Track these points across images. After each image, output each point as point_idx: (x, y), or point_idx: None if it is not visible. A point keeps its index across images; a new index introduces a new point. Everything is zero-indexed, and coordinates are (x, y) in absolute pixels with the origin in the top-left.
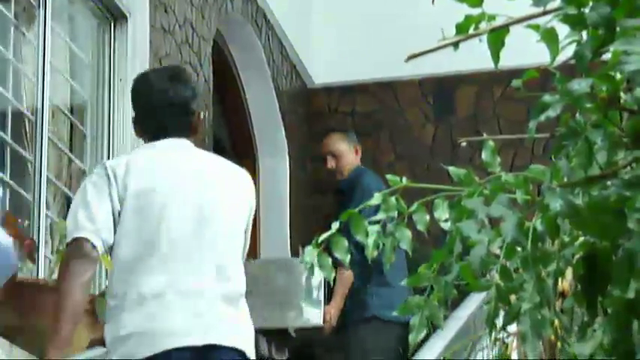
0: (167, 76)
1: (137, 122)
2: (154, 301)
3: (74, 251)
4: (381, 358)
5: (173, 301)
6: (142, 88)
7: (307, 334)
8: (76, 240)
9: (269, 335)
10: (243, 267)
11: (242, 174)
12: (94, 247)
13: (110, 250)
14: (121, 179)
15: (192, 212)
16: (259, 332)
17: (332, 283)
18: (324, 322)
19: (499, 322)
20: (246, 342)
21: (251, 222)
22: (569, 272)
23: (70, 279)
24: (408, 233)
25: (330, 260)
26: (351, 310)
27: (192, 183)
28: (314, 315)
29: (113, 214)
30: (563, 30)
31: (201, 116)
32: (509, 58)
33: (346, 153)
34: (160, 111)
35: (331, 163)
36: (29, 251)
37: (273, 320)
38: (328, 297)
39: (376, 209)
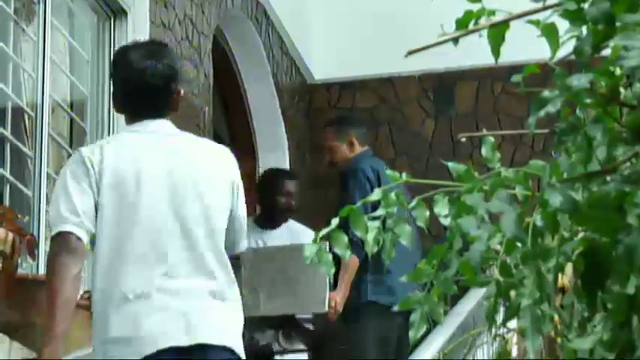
0: (146, 53)
1: (116, 99)
2: (138, 302)
3: (60, 246)
4: (381, 344)
5: (156, 300)
6: (120, 65)
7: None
8: (61, 234)
9: (276, 323)
10: (225, 255)
11: (222, 153)
12: (79, 239)
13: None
14: (97, 168)
15: (168, 204)
16: (265, 324)
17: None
18: (329, 308)
19: (499, 317)
20: (234, 338)
21: (240, 203)
22: (569, 268)
23: (58, 274)
24: (408, 229)
25: (330, 256)
26: (352, 295)
27: (168, 172)
28: (319, 302)
29: (95, 205)
30: (563, 25)
31: (182, 93)
32: (509, 54)
33: (338, 147)
34: (137, 90)
35: (328, 158)
36: (29, 247)
37: (278, 308)
38: (334, 283)
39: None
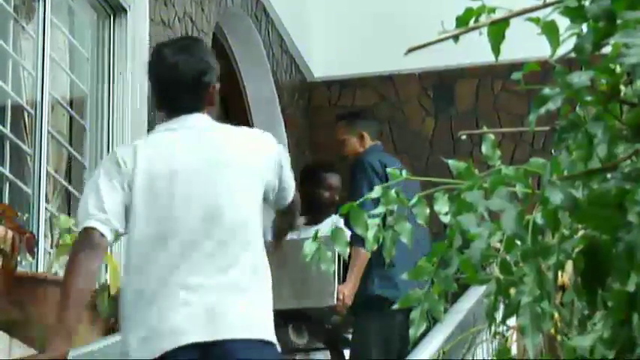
0: (178, 48)
1: (153, 96)
2: (162, 298)
3: (83, 241)
4: (383, 339)
5: (180, 296)
6: (154, 62)
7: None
8: (86, 229)
9: (288, 319)
10: (253, 249)
11: (258, 139)
12: (102, 235)
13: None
14: (131, 169)
15: (200, 203)
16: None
17: (341, 264)
18: (337, 300)
19: (499, 315)
20: (260, 328)
21: (286, 175)
22: (569, 265)
23: (76, 269)
24: (408, 226)
25: (329, 253)
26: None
27: (201, 169)
28: (327, 294)
29: (125, 204)
30: (563, 23)
31: (217, 87)
32: (509, 52)
33: (349, 140)
34: (171, 86)
35: (340, 151)
36: (29, 245)
37: (286, 302)
38: (343, 276)
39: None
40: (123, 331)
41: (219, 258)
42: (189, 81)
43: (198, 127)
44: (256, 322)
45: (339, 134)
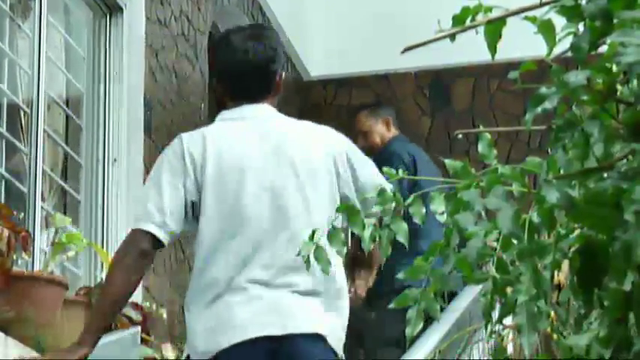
0: (247, 35)
1: (218, 83)
2: (233, 292)
3: (134, 245)
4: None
5: (251, 290)
6: (221, 48)
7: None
8: (140, 232)
9: None
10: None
11: (323, 134)
12: (158, 241)
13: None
14: (199, 163)
15: (269, 197)
16: None
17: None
18: (349, 293)
19: (495, 314)
20: (327, 328)
21: (362, 170)
22: (565, 265)
23: (119, 275)
24: (404, 226)
25: (327, 253)
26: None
27: (268, 163)
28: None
29: (186, 202)
30: (560, 22)
31: (283, 76)
32: (505, 51)
33: (373, 129)
34: (239, 73)
35: (361, 143)
36: (24, 244)
37: None
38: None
39: (414, 183)
40: (189, 322)
41: (289, 256)
42: (258, 68)
43: (262, 117)
44: (326, 322)
45: (362, 124)
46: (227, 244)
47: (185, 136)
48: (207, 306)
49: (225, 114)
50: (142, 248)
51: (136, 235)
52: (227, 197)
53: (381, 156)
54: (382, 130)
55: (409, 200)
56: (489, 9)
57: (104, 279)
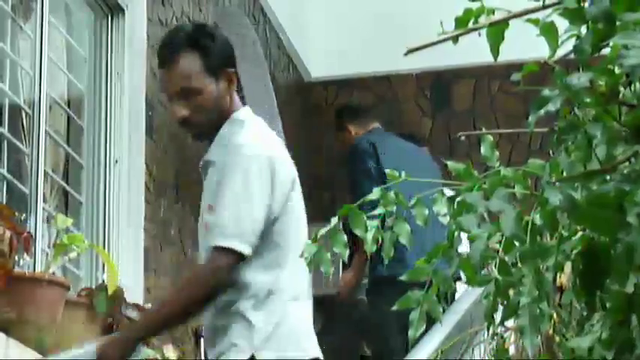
0: None
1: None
2: (307, 306)
3: (222, 271)
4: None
5: (308, 306)
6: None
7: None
8: (233, 253)
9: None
10: None
11: None
12: (242, 260)
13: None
14: (284, 179)
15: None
16: None
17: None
18: (338, 287)
19: (497, 316)
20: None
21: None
22: (567, 267)
23: (192, 300)
24: (407, 227)
25: (328, 255)
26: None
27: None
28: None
29: (267, 216)
30: (562, 24)
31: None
32: (507, 53)
33: (339, 136)
34: None
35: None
36: (26, 245)
37: None
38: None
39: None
40: (256, 323)
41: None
42: None
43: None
44: None
45: (336, 138)
46: (291, 256)
47: (266, 147)
48: (278, 312)
49: (258, 119)
50: (228, 276)
51: (227, 257)
52: (293, 206)
53: (348, 156)
54: (347, 137)
55: (412, 202)
56: (492, 11)
57: (176, 293)
